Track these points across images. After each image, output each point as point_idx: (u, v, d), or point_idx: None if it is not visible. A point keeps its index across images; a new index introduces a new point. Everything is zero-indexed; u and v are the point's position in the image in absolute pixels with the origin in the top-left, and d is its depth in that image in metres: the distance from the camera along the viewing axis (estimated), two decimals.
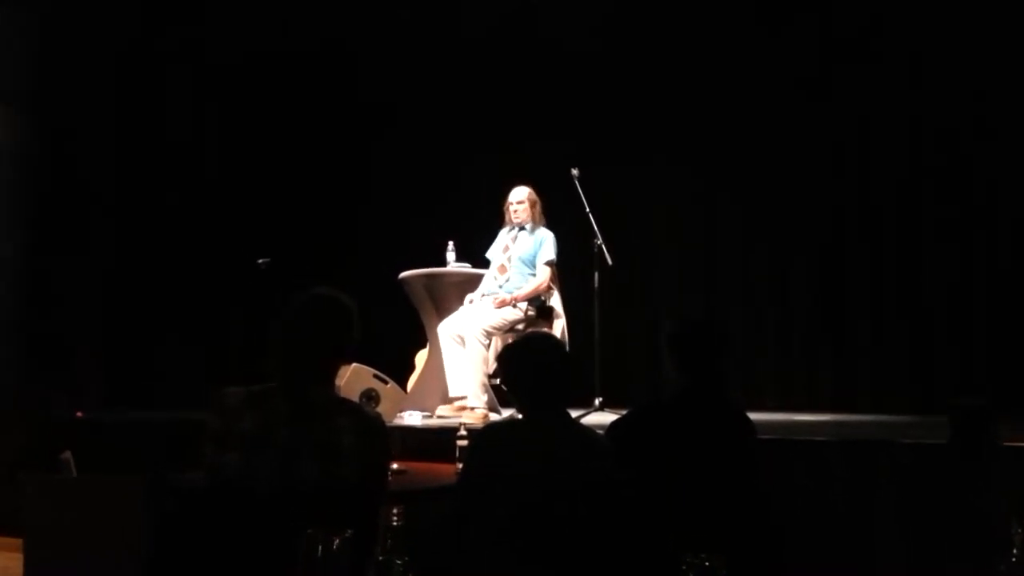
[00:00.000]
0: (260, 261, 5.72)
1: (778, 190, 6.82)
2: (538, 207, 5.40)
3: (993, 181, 6.10)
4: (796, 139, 6.70)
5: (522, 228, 5.38)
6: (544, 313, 5.27)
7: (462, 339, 5.17)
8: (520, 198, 5.39)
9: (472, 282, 5.51)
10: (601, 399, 5.19)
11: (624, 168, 7.09)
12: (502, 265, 5.38)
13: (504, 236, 5.47)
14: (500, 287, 5.32)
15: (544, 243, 5.31)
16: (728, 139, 6.89)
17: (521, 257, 5.32)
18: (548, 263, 5.31)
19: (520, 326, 5.21)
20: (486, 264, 5.53)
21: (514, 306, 5.21)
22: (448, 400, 5.34)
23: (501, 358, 2.93)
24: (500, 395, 5.32)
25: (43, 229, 6.42)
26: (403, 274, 5.68)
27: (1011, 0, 6.02)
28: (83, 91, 6.57)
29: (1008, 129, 5.99)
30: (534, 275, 5.32)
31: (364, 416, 2.31)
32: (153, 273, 6.86)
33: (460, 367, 5.20)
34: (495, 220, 5.52)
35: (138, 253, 6.85)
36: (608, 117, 7.05)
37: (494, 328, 5.16)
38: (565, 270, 5.51)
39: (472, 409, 5.09)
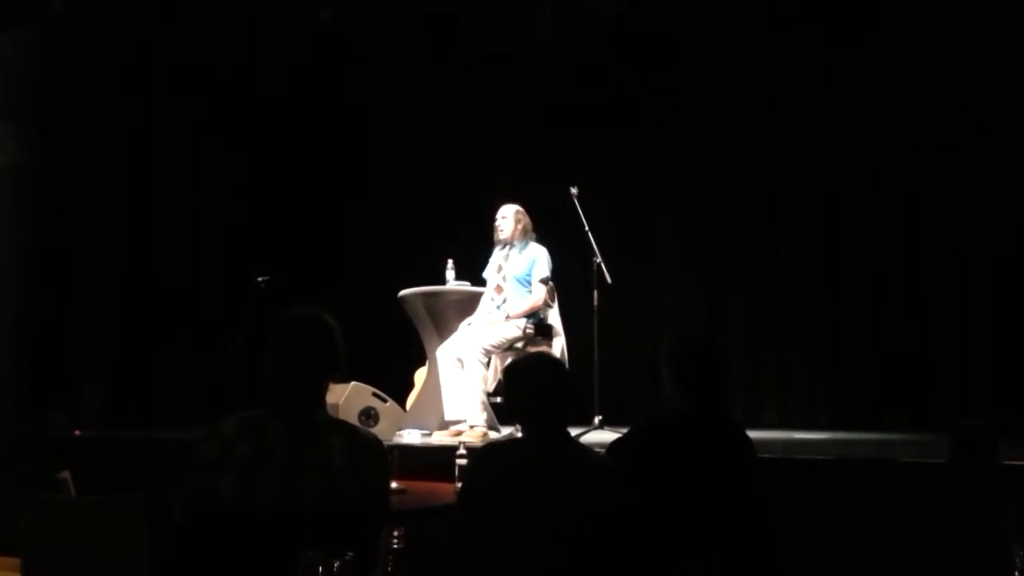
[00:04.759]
0: (259, 279, 5.73)
1: (778, 208, 6.83)
2: (522, 224, 5.37)
3: (997, 193, 6.10)
4: (795, 154, 6.71)
5: (511, 246, 5.37)
6: (543, 331, 5.25)
7: (461, 362, 5.14)
8: (504, 214, 5.38)
9: (471, 300, 5.49)
10: (601, 417, 5.19)
11: (624, 186, 7.11)
12: (498, 285, 5.36)
13: (497, 255, 5.45)
14: (498, 308, 5.30)
15: (537, 260, 5.29)
16: (728, 155, 6.91)
17: (516, 276, 5.31)
18: (543, 280, 5.29)
19: (519, 344, 5.20)
20: (484, 285, 5.52)
21: (516, 325, 5.19)
22: (445, 425, 5.31)
23: (504, 377, 2.93)
24: (499, 413, 5.31)
25: (44, 244, 6.42)
26: (402, 292, 5.67)
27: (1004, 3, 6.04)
28: (87, 108, 6.59)
29: (1015, 137, 6.00)
30: (531, 293, 5.31)
31: (359, 435, 2.29)
32: (153, 290, 6.86)
33: (457, 391, 5.16)
34: (492, 238, 5.52)
35: (138, 270, 6.85)
36: (607, 134, 7.06)
37: (493, 347, 5.15)
38: (565, 288, 5.50)
39: (471, 427, 5.07)
